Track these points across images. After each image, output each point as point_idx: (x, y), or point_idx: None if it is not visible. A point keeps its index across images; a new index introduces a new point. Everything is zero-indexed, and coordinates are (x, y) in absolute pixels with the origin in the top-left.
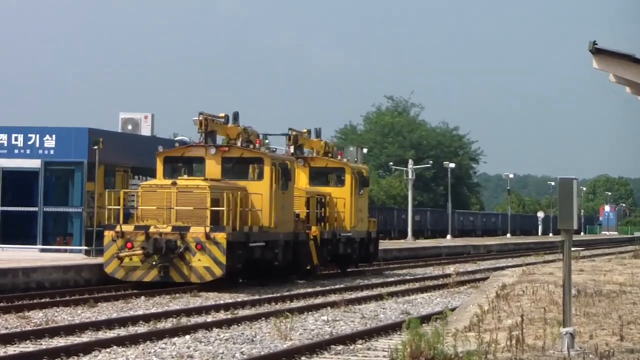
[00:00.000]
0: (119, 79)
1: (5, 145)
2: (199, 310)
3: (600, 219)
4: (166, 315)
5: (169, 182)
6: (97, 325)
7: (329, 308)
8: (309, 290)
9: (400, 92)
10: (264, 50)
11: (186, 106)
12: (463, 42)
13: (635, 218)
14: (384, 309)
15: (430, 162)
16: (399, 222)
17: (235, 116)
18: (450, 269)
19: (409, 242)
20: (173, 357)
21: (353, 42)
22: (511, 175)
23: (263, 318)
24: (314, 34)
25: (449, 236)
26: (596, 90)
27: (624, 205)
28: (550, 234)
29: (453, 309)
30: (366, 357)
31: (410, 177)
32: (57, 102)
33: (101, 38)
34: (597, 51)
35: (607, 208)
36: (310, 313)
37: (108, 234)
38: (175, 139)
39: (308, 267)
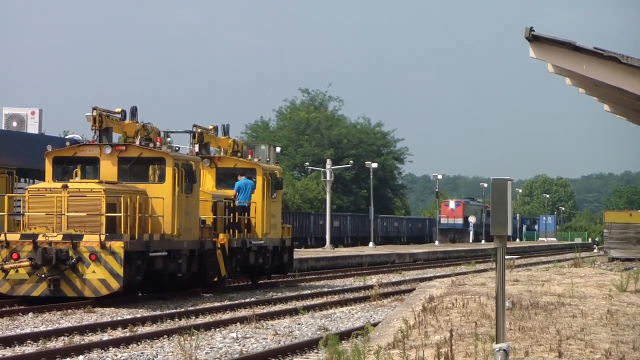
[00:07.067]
0: (2, 70)
1: None
2: (93, 328)
3: (442, 219)
4: (57, 333)
5: (59, 185)
6: None
7: (238, 324)
8: (216, 304)
9: (316, 85)
10: (164, 34)
11: (78, 101)
12: (386, 29)
13: (576, 223)
14: (299, 324)
15: (351, 162)
16: (316, 228)
17: (133, 111)
18: (373, 279)
19: (327, 251)
20: None
21: (264, 25)
22: (440, 177)
23: (165, 336)
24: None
25: (371, 244)
26: (534, 82)
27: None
28: (483, 241)
29: (375, 324)
30: None
31: (328, 178)
32: None
33: None
34: (534, 38)
35: (451, 204)
36: (217, 330)
37: None
38: (66, 137)
39: (215, 279)
